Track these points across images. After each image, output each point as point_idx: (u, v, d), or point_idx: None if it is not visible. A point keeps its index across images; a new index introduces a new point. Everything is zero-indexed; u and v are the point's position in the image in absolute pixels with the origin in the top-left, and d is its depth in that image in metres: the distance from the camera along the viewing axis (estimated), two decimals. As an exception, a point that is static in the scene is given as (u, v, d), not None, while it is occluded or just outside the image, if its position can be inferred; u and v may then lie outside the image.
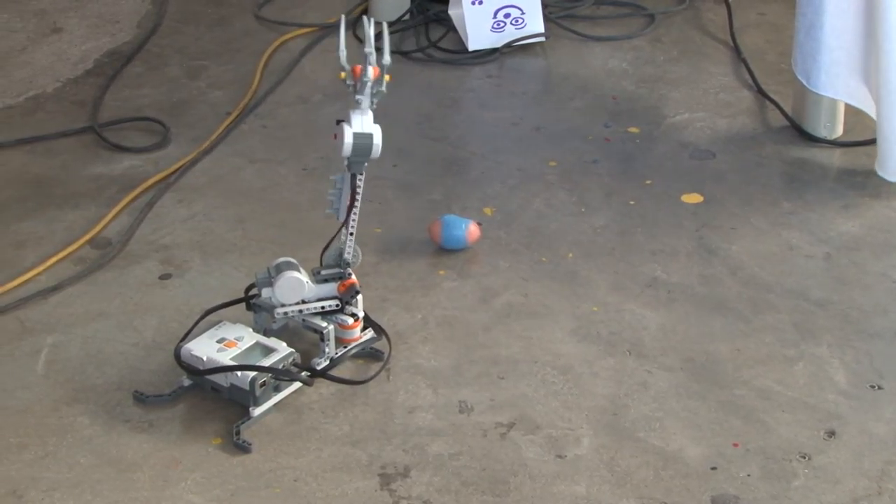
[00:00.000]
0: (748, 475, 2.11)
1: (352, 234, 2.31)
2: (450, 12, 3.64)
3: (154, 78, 3.43)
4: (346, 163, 2.26)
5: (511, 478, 2.11)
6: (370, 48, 2.18)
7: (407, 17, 3.69)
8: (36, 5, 3.84)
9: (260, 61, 3.47)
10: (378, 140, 2.23)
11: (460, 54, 3.52)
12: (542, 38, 3.57)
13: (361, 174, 2.27)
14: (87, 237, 2.72)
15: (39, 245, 2.70)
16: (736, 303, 2.54)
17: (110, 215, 2.79)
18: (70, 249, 2.68)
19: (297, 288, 2.28)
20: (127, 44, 3.61)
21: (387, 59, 2.19)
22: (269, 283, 2.29)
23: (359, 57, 2.22)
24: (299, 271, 2.30)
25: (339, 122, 2.24)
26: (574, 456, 2.15)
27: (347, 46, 2.21)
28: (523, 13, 3.54)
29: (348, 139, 2.21)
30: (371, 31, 2.19)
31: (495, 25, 3.53)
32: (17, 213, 2.82)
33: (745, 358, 2.39)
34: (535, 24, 3.55)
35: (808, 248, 2.71)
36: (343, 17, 2.25)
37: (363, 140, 2.22)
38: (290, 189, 2.93)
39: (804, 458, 2.15)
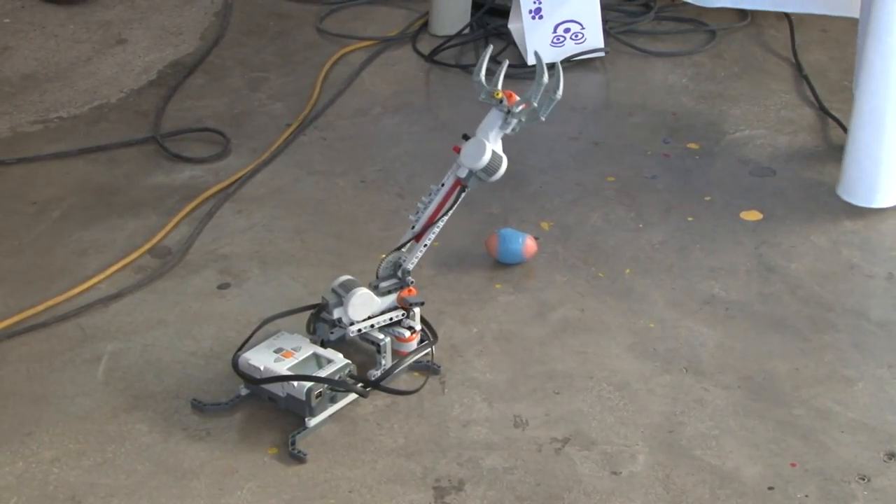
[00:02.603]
0: (806, 496, 2.09)
1: (426, 245, 2.32)
2: (509, 26, 3.65)
3: (216, 89, 3.47)
4: (464, 174, 2.28)
5: (565, 493, 2.10)
6: (541, 82, 2.27)
7: (467, 30, 3.70)
8: (101, 17, 3.90)
9: (320, 74, 3.50)
10: (504, 166, 2.29)
11: (519, 68, 3.52)
12: (602, 54, 3.56)
13: (468, 189, 2.30)
14: (148, 246, 2.75)
15: (101, 253, 2.74)
16: (795, 321, 2.51)
17: (171, 225, 2.82)
18: (131, 258, 2.71)
19: (368, 303, 2.29)
20: (190, 55, 3.65)
21: (558, 95, 2.28)
22: (339, 303, 2.29)
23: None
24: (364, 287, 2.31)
25: (465, 136, 2.29)
26: (629, 473, 2.14)
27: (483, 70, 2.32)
28: (583, 28, 3.54)
29: (487, 155, 2.26)
30: (544, 67, 2.28)
31: (555, 40, 3.53)
32: (80, 221, 2.86)
33: (803, 377, 2.36)
34: (594, 39, 3.55)
35: (868, 268, 2.67)
36: (490, 46, 2.34)
37: (496, 160, 2.28)
38: (348, 201, 2.94)
39: (863, 479, 2.12)
